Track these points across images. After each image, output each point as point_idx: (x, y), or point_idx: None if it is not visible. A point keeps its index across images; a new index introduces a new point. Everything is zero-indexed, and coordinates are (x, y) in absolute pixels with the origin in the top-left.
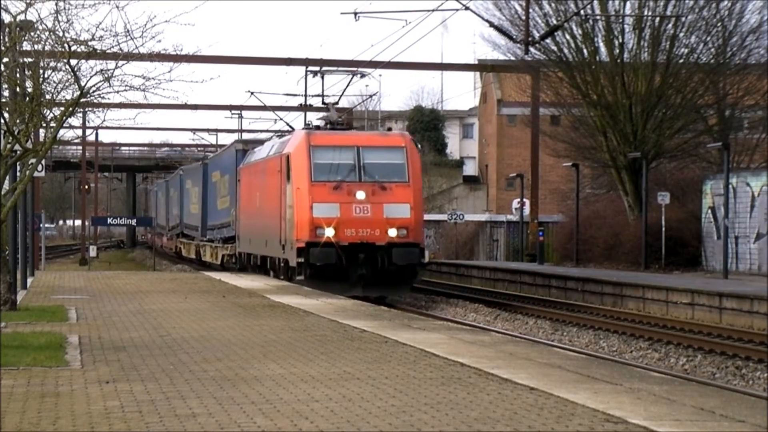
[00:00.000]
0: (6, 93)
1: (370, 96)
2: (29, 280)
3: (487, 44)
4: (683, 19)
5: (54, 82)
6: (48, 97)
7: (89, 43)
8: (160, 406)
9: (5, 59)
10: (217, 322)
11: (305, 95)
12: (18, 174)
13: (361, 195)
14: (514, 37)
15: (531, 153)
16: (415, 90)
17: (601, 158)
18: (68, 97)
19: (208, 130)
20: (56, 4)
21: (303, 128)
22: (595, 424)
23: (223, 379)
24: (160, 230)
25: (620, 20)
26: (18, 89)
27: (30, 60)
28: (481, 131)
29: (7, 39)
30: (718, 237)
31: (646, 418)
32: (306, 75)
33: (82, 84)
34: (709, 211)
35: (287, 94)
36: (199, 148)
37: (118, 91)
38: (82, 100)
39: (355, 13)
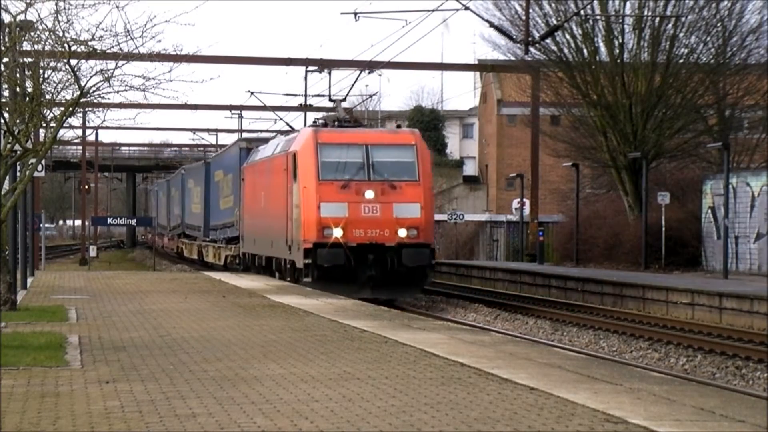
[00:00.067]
0: (6, 93)
1: (370, 96)
2: (29, 280)
3: (487, 44)
4: (683, 19)
5: (54, 82)
6: (48, 97)
7: (89, 43)
8: (160, 406)
9: (5, 59)
10: (217, 322)
11: (305, 95)
12: (18, 174)
13: (370, 194)
14: (514, 37)
15: (531, 153)
16: (415, 90)
17: (601, 158)
18: (68, 97)
19: (208, 130)
20: (56, 4)
21: (310, 125)
22: (595, 424)
23: (223, 379)
24: (161, 230)
25: (620, 20)
26: (18, 89)
27: (30, 60)
28: (481, 131)
29: (7, 39)
30: (718, 237)
31: (646, 418)
32: (306, 75)
33: (82, 84)
34: (709, 211)
35: (287, 94)
36: (198, 148)
37: (118, 91)
38: (82, 100)
39: (355, 13)
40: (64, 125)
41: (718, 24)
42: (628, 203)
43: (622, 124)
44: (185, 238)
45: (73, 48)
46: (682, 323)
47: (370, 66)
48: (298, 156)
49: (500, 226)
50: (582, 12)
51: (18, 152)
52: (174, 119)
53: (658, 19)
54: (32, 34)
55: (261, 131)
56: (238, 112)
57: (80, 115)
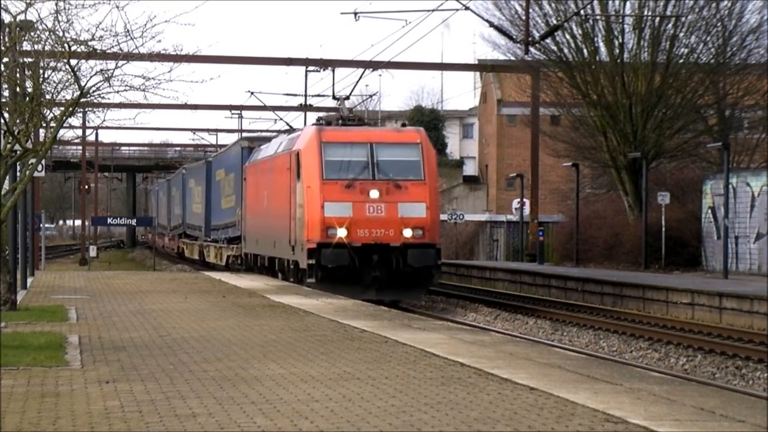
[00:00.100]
0: (6, 93)
1: (371, 96)
2: (29, 280)
3: (487, 44)
4: (683, 19)
5: (54, 82)
6: (48, 97)
7: (89, 43)
8: (160, 406)
9: (5, 59)
10: (217, 322)
11: (305, 95)
12: (18, 174)
13: (374, 193)
14: (514, 37)
15: (531, 153)
16: (415, 90)
17: (601, 158)
18: (68, 97)
19: (208, 130)
20: (56, 4)
21: (313, 123)
22: (595, 424)
23: (223, 379)
24: (161, 230)
25: (620, 20)
26: (18, 89)
27: (30, 60)
28: (481, 131)
29: (7, 39)
30: (718, 237)
31: (646, 418)
32: (306, 75)
33: (82, 84)
34: (709, 211)
35: (287, 94)
36: (198, 148)
37: (118, 91)
38: (82, 100)
39: (355, 13)
40: (64, 125)
41: (718, 24)
42: (628, 203)
43: (622, 124)
44: (186, 238)
45: (73, 48)
46: (682, 323)
47: (371, 66)
48: (301, 155)
49: (500, 226)
50: (582, 12)
51: (18, 152)
52: (174, 119)
53: (658, 19)
54: (32, 34)
55: (261, 131)
56: (238, 112)
57: (80, 115)
